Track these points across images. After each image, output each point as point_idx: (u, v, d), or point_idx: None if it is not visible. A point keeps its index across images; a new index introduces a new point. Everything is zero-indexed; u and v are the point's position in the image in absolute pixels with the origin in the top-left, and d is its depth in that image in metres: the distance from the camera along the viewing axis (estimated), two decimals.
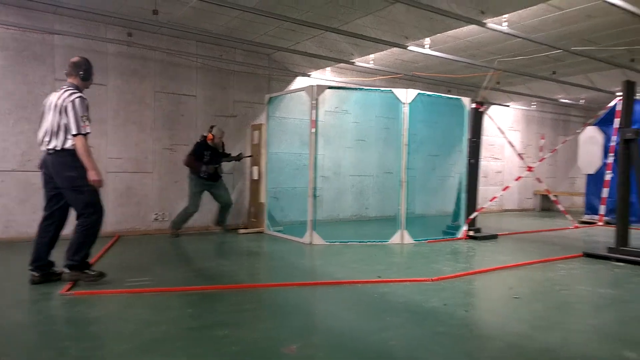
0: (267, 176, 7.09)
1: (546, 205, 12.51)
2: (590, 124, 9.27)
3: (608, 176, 8.80)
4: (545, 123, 13.18)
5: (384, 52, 7.11)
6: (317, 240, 6.07)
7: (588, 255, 5.52)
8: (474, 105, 7.07)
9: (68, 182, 3.65)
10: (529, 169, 8.09)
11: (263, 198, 7.13)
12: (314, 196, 6.18)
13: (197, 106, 7.11)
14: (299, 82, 8.21)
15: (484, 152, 10.83)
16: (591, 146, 9.50)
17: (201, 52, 7.03)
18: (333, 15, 5.52)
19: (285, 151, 7.27)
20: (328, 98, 6.45)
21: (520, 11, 5.31)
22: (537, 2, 4.86)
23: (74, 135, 3.60)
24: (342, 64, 7.72)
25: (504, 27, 5.70)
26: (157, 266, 4.63)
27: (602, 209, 9.07)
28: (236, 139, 7.50)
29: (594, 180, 9.62)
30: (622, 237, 5.37)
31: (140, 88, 6.64)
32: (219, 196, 6.82)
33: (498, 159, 12.06)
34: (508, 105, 11.81)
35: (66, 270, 3.77)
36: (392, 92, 6.33)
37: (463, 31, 6.10)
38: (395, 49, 6.82)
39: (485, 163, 11.50)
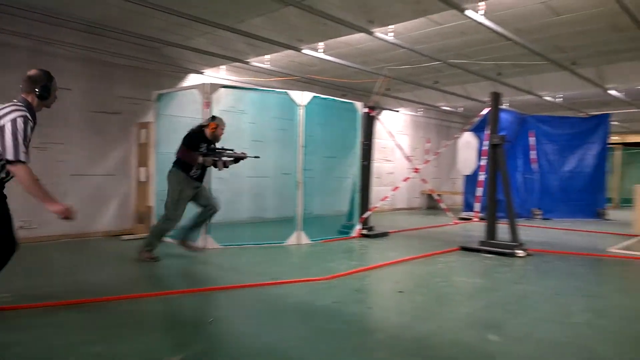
0: (155, 178, 6.68)
1: (431, 204, 13.55)
2: (466, 130, 10.23)
3: (481, 177, 9.83)
4: (431, 128, 14.28)
5: (280, 53, 7.13)
6: (212, 244, 5.87)
7: (464, 248, 6.08)
8: (366, 110, 7.41)
9: None
10: (416, 170, 8.69)
11: (151, 201, 6.71)
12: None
13: (72, 100, 6.44)
14: (192, 79, 7.90)
15: (377, 154, 11.41)
16: (467, 150, 10.45)
17: (83, 43, 6.40)
18: (224, 12, 5.38)
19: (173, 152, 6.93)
20: (223, 97, 6.28)
21: (405, 23, 5.66)
22: (418, 16, 5.22)
23: (10, 162, 2.84)
24: (237, 63, 7.58)
25: (390, 37, 6.04)
26: (22, 280, 4.10)
27: (477, 206, 10.08)
28: (120, 138, 6.97)
29: (470, 181, 10.65)
30: (491, 232, 6.00)
31: (1, 79, 5.84)
32: (207, 199, 5.23)
33: (390, 160, 12.77)
34: (398, 111, 12.59)
35: None
36: (288, 94, 6.37)
37: (354, 38, 6.34)
38: (290, 51, 6.88)
39: (378, 165, 12.11)
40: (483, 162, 9.64)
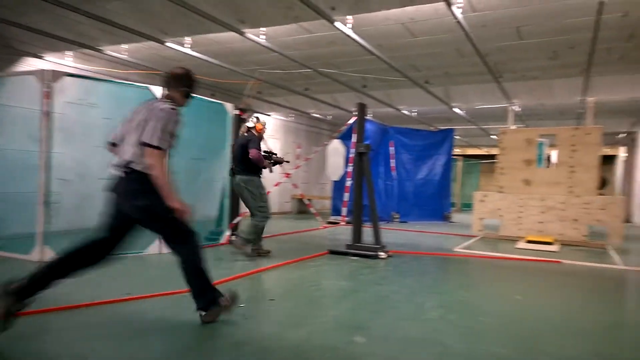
0: None
1: (302, 208, 13.82)
2: (334, 137, 10.66)
3: (348, 183, 10.35)
4: (301, 134, 14.60)
5: (141, 44, 6.55)
6: (51, 255, 5.06)
7: (332, 252, 6.24)
8: (236, 112, 7.20)
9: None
10: (287, 175, 8.74)
11: None
12: (47, 203, 5.15)
13: None
14: (32, 63, 6.83)
15: None
16: (335, 156, 10.94)
17: None
18: None
19: (7, 147, 5.86)
20: (68, 87, 5.49)
21: (277, 27, 5.64)
22: (289, 21, 5.23)
23: (145, 145, 2.83)
24: (88, 50, 6.76)
25: (262, 40, 5.95)
26: None
27: (344, 210, 10.60)
28: None
29: (338, 186, 11.12)
30: (357, 235, 6.27)
31: None
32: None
33: None
34: (269, 115, 12.59)
35: None
36: (150, 89, 5.86)
37: (225, 37, 6.12)
38: (154, 43, 6.35)
39: None
40: (350, 169, 10.18)
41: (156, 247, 5.85)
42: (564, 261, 6.11)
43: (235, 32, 5.45)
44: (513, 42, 5.93)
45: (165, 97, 3.13)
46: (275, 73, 8.08)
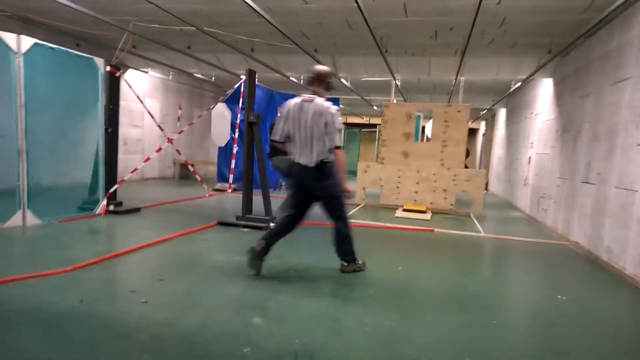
0: None
1: (185, 174, 13.12)
2: (220, 102, 10.16)
3: (235, 149, 10.01)
4: (183, 94, 13.67)
5: None
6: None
7: (221, 223, 6.03)
8: (108, 69, 6.40)
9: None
10: (169, 140, 8.12)
11: None
12: None
13: None
14: None
15: (123, 119, 10.19)
16: (221, 121, 10.47)
17: None
18: None
19: None
20: None
21: None
22: None
23: (335, 148, 3.69)
24: None
25: None
26: None
27: (231, 177, 10.29)
28: None
29: (224, 152, 10.73)
30: (248, 206, 6.13)
31: None
32: None
33: (137, 126, 11.64)
34: (146, 72, 11.50)
35: None
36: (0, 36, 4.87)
37: None
38: None
39: (125, 130, 10.88)
40: (236, 135, 9.83)
41: (19, 218, 5.07)
42: (437, 230, 6.74)
43: None
44: (399, 18, 6.12)
45: (313, 93, 3.76)
46: (152, 27, 7.29)
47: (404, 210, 8.52)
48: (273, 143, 3.83)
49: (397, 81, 9.29)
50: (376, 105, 15.44)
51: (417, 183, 8.84)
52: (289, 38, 6.94)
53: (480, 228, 7.20)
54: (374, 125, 21.27)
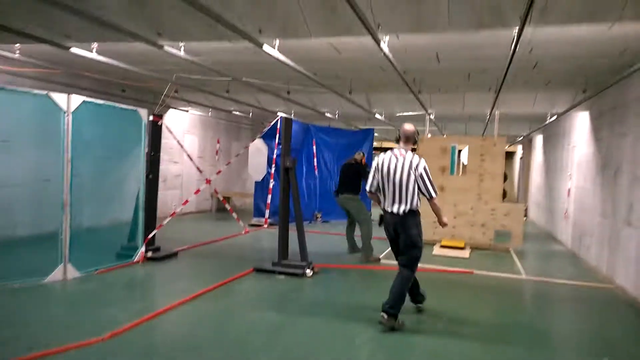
0: None
1: (222, 206, 13.44)
2: (258, 137, 10.44)
3: (271, 184, 10.21)
4: (221, 128, 14.11)
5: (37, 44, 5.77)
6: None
7: (257, 270, 6.10)
8: (151, 118, 6.73)
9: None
10: (207, 181, 8.40)
11: None
12: None
13: None
14: None
15: (163, 156, 10.61)
16: (258, 156, 10.74)
17: None
18: None
19: None
20: None
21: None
22: (212, 39, 4.91)
23: (431, 198, 4.21)
24: None
25: (182, 53, 5.56)
26: None
27: (267, 212, 10.48)
28: None
29: (261, 187, 10.95)
30: (284, 251, 6.21)
31: None
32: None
33: (177, 162, 12.09)
34: (187, 111, 11.97)
35: None
36: (51, 97, 5.25)
37: (140, 45, 5.62)
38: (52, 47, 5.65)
39: (164, 167, 11.32)
40: (272, 170, 10.04)
41: (60, 272, 5.32)
42: (476, 271, 6.59)
43: (152, 45, 5.01)
44: (431, 65, 6.16)
45: (404, 148, 4.27)
46: (193, 78, 7.63)
47: (442, 246, 8.40)
48: (368, 194, 4.46)
49: (431, 116, 9.27)
50: None
51: (455, 217, 8.70)
52: (323, 85, 7.07)
53: (520, 268, 7.00)
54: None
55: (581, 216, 8.08)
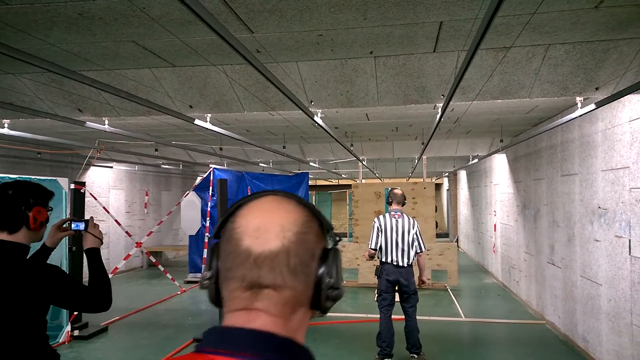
0: None
1: (153, 262, 12.73)
2: (190, 191, 10.12)
3: (206, 238, 9.85)
4: (149, 179, 13.52)
5: None
6: None
7: (198, 340, 5.76)
8: (73, 186, 6.31)
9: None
10: (138, 245, 7.95)
11: None
12: None
13: None
14: None
15: (86, 215, 9.93)
16: (191, 210, 10.38)
17: None
18: None
19: None
20: None
21: None
22: (137, 115, 4.71)
23: (421, 252, 4.93)
24: None
25: (105, 127, 5.30)
26: None
27: (204, 267, 10.03)
28: None
29: (195, 241, 10.54)
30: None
31: None
32: None
33: (103, 220, 11.34)
34: (111, 167, 11.37)
35: None
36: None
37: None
38: None
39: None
40: (207, 223, 9.71)
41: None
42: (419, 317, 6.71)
43: (73, 122, 4.69)
44: (361, 121, 6.39)
45: (396, 209, 4.96)
46: (117, 142, 7.31)
47: None
48: (371, 251, 4.96)
49: (363, 162, 9.56)
50: (344, 174, 15.74)
51: None
52: (256, 145, 6.98)
53: (459, 309, 7.24)
54: (344, 186, 21.59)
55: (508, 251, 8.61)
